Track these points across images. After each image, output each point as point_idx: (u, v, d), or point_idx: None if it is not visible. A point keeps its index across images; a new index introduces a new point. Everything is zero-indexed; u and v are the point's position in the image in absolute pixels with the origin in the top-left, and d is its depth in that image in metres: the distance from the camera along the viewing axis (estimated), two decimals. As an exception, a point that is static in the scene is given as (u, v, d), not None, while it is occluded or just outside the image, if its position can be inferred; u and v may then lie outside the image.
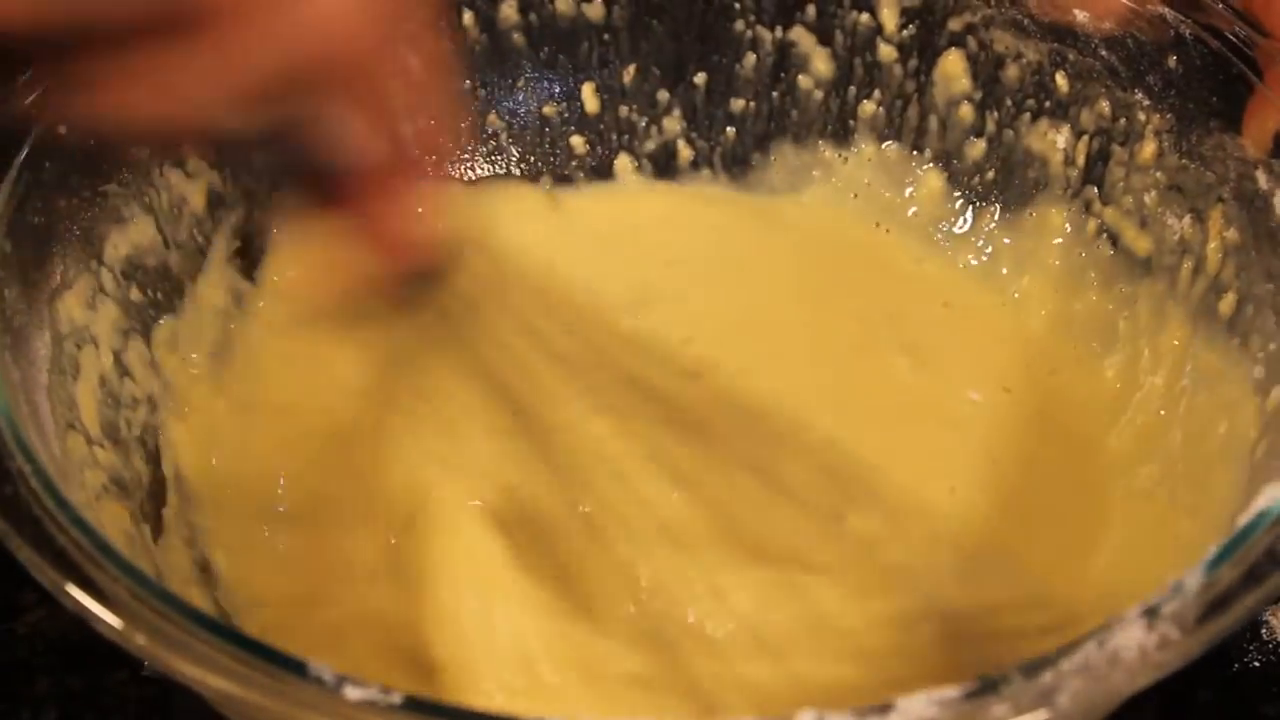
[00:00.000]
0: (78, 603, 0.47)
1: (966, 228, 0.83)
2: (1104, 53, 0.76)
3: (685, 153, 0.86)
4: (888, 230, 0.85)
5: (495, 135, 0.85)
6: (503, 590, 0.65)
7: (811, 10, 0.83)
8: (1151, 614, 0.48)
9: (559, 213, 0.84)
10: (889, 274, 0.83)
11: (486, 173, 0.85)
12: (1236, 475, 0.62)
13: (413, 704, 0.44)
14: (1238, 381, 0.66)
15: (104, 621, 0.46)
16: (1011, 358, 0.78)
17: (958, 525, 0.70)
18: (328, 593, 0.66)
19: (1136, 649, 0.47)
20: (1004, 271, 0.82)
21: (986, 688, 0.45)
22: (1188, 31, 0.71)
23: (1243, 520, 0.52)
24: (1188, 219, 0.72)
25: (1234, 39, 0.70)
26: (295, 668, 0.45)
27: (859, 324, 0.80)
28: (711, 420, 0.72)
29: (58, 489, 0.51)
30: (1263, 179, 0.67)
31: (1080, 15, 0.76)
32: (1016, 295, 0.81)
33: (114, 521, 0.60)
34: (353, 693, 0.44)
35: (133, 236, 0.69)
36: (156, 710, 0.67)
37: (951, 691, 0.45)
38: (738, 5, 0.83)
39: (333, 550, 0.68)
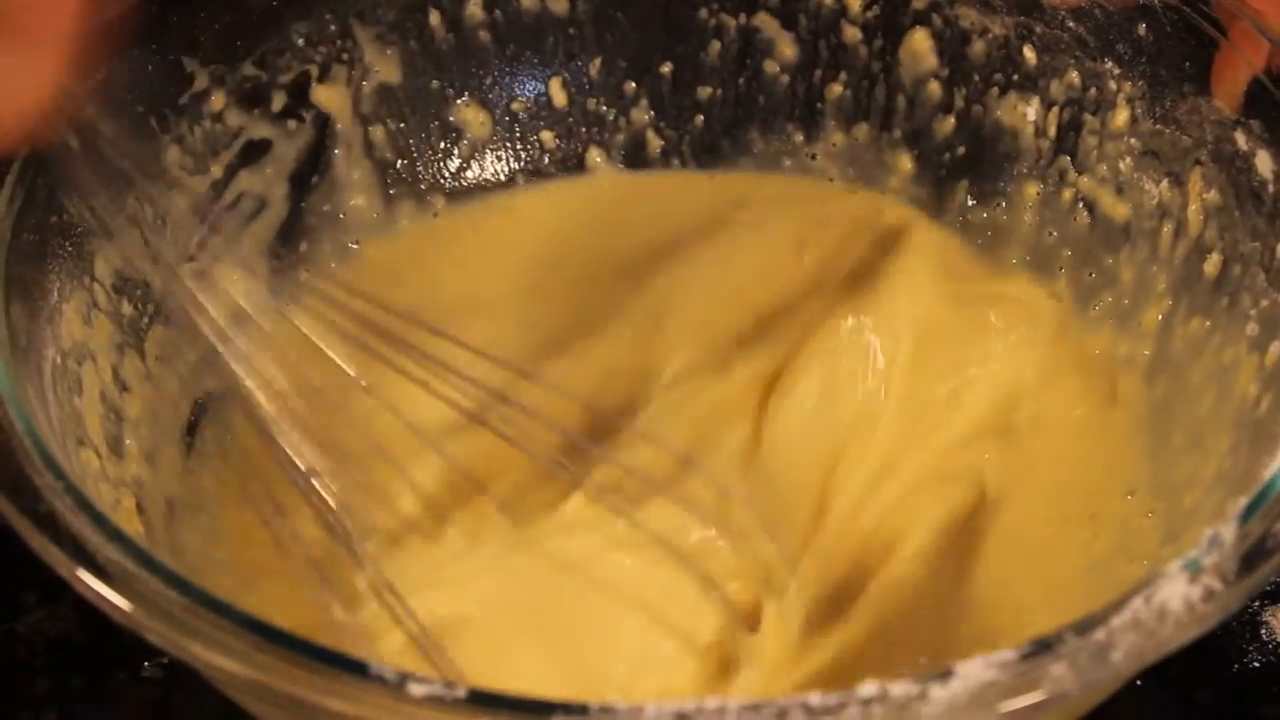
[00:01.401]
0: (132, 619, 0.47)
1: (939, 205, 0.84)
2: (1071, 24, 0.76)
3: (655, 143, 0.87)
4: (858, 210, 0.85)
5: (464, 134, 0.85)
6: None
7: (774, -6, 0.83)
8: (1193, 567, 0.48)
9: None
10: (857, 255, 0.83)
11: (458, 169, 0.85)
12: (1236, 436, 0.63)
13: (478, 698, 0.44)
14: (1231, 342, 0.67)
15: (163, 635, 0.46)
16: (993, 336, 0.78)
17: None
18: None
19: (1182, 602, 0.47)
20: (979, 243, 0.82)
21: (1042, 648, 0.46)
22: (1156, -1, 0.72)
23: (1268, 472, 0.53)
24: (1165, 183, 0.73)
25: (1202, 4, 0.71)
26: (356, 668, 0.45)
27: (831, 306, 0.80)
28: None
29: (92, 504, 0.50)
30: (1242, 139, 0.68)
31: (1046, -13, 0.77)
32: (994, 270, 0.81)
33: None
34: (416, 689, 0.44)
35: (120, 250, 0.68)
36: (156, 710, 0.67)
37: (1008, 653, 0.45)
38: (700, -7, 0.84)
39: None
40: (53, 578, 0.49)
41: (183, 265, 0.72)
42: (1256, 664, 0.69)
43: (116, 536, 0.49)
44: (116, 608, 0.47)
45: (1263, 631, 0.70)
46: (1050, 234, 0.80)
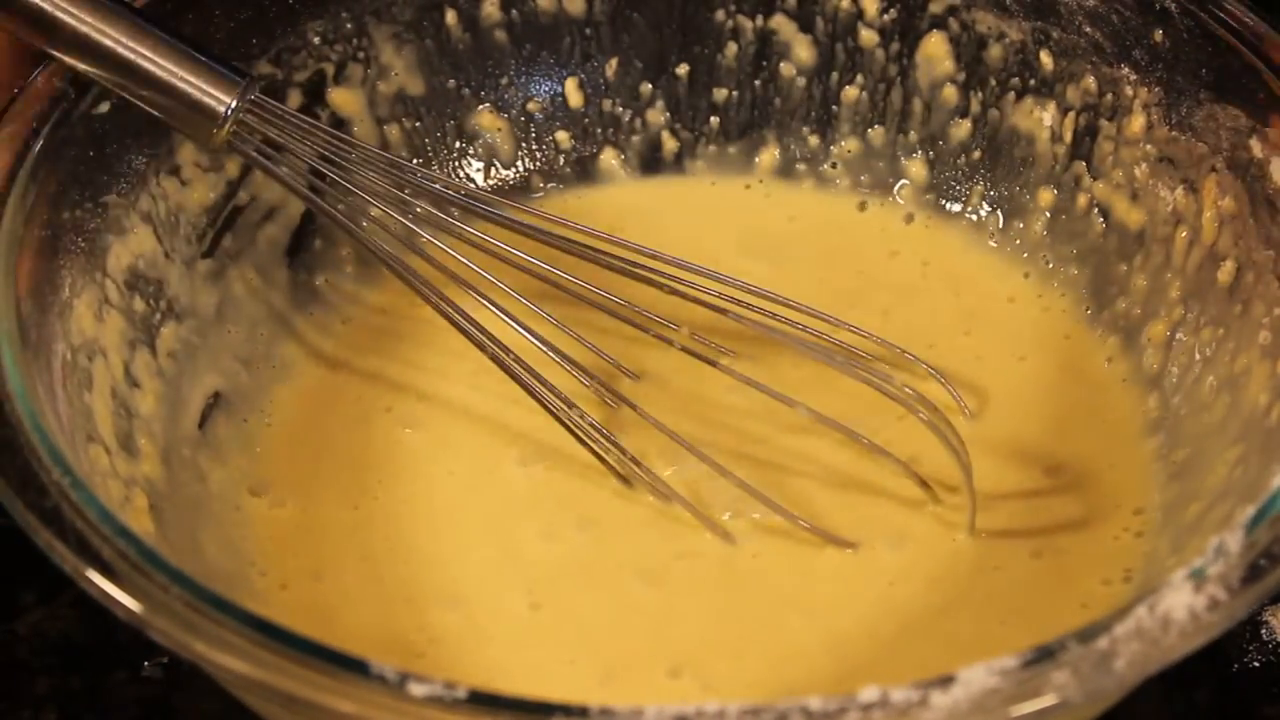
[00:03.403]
0: (137, 616, 0.47)
1: (955, 209, 0.83)
2: (1088, 29, 0.76)
3: (670, 144, 0.87)
4: (874, 215, 0.85)
5: (480, 134, 0.85)
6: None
7: (792, -3, 0.83)
8: (1198, 576, 0.48)
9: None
10: (875, 261, 0.83)
11: (473, 170, 0.85)
12: (1247, 445, 0.63)
13: (478, 698, 0.44)
14: (1243, 350, 0.66)
15: (168, 633, 0.46)
16: (1008, 342, 0.78)
17: None
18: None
19: (1186, 611, 0.47)
20: (993, 247, 0.82)
21: (1044, 655, 0.46)
22: (1173, 5, 0.72)
23: (1277, 481, 0.53)
24: (1180, 190, 0.73)
25: (1220, 11, 0.71)
26: (358, 667, 0.45)
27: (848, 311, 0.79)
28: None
29: (99, 501, 0.50)
30: (1257, 147, 0.68)
31: (1063, -7, 0.77)
32: (1009, 275, 0.81)
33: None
34: (417, 689, 0.44)
35: (133, 247, 0.69)
36: (156, 710, 0.67)
37: (1010, 661, 0.45)
38: (717, -5, 0.84)
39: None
40: (52, 577, 0.49)
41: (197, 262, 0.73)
42: (1256, 664, 0.69)
43: (123, 534, 0.49)
44: (122, 606, 0.48)
45: (1263, 631, 0.69)
46: (1071, 230, 0.79)
